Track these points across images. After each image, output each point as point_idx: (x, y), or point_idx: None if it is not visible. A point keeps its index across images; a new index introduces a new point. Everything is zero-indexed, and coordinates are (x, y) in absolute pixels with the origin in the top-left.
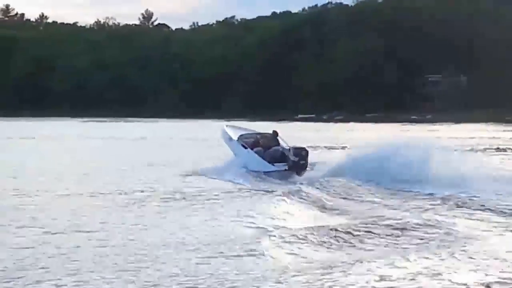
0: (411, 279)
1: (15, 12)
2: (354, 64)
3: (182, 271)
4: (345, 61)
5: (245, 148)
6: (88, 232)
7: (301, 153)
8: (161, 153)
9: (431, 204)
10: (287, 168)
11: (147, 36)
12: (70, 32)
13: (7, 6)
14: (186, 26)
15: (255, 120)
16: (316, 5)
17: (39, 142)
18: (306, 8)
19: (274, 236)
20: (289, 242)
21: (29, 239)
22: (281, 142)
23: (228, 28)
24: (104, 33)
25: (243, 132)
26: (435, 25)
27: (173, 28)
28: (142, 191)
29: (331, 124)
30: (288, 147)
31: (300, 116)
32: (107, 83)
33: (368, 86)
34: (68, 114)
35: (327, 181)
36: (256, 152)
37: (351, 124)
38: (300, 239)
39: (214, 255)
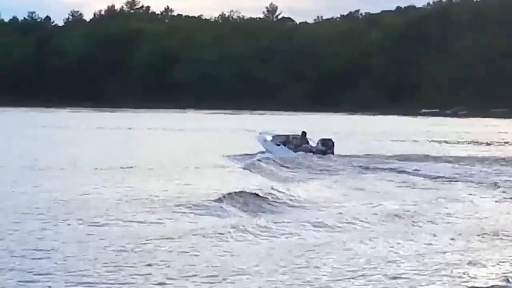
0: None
1: (140, 5)
2: (479, 58)
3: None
4: (470, 56)
5: (278, 145)
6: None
7: (328, 143)
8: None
9: None
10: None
11: (272, 29)
12: (195, 25)
13: None
14: (310, 20)
15: (378, 114)
16: (440, 0)
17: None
18: (431, 2)
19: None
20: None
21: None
22: (309, 141)
23: (353, 22)
24: (229, 26)
25: (276, 134)
26: None
27: (297, 22)
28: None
29: (454, 119)
30: (316, 141)
31: (424, 110)
32: (232, 76)
33: (493, 81)
34: (193, 106)
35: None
36: (288, 148)
37: (475, 119)
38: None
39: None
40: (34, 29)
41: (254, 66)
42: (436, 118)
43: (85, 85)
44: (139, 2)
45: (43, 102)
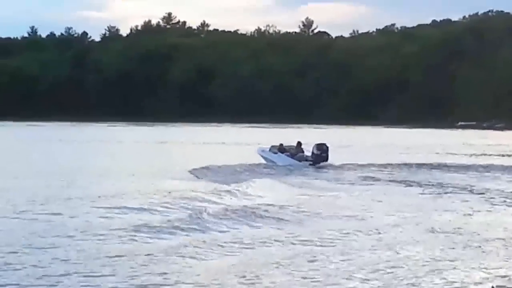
0: None
1: (177, 20)
2: None
3: None
4: (507, 69)
5: (276, 153)
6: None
7: (323, 148)
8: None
9: None
10: (311, 163)
11: (308, 44)
12: (231, 39)
13: (169, 14)
14: (346, 34)
15: (413, 128)
16: (476, 13)
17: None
18: (467, 16)
19: None
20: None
21: None
22: (305, 151)
23: (388, 36)
24: (265, 41)
25: (272, 145)
26: None
27: (333, 36)
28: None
29: (491, 132)
30: (311, 149)
31: (460, 123)
32: (268, 91)
33: None
34: (230, 120)
35: None
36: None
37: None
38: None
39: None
40: (71, 44)
41: (290, 81)
42: (473, 131)
43: (122, 99)
44: (175, 17)
45: (80, 116)
